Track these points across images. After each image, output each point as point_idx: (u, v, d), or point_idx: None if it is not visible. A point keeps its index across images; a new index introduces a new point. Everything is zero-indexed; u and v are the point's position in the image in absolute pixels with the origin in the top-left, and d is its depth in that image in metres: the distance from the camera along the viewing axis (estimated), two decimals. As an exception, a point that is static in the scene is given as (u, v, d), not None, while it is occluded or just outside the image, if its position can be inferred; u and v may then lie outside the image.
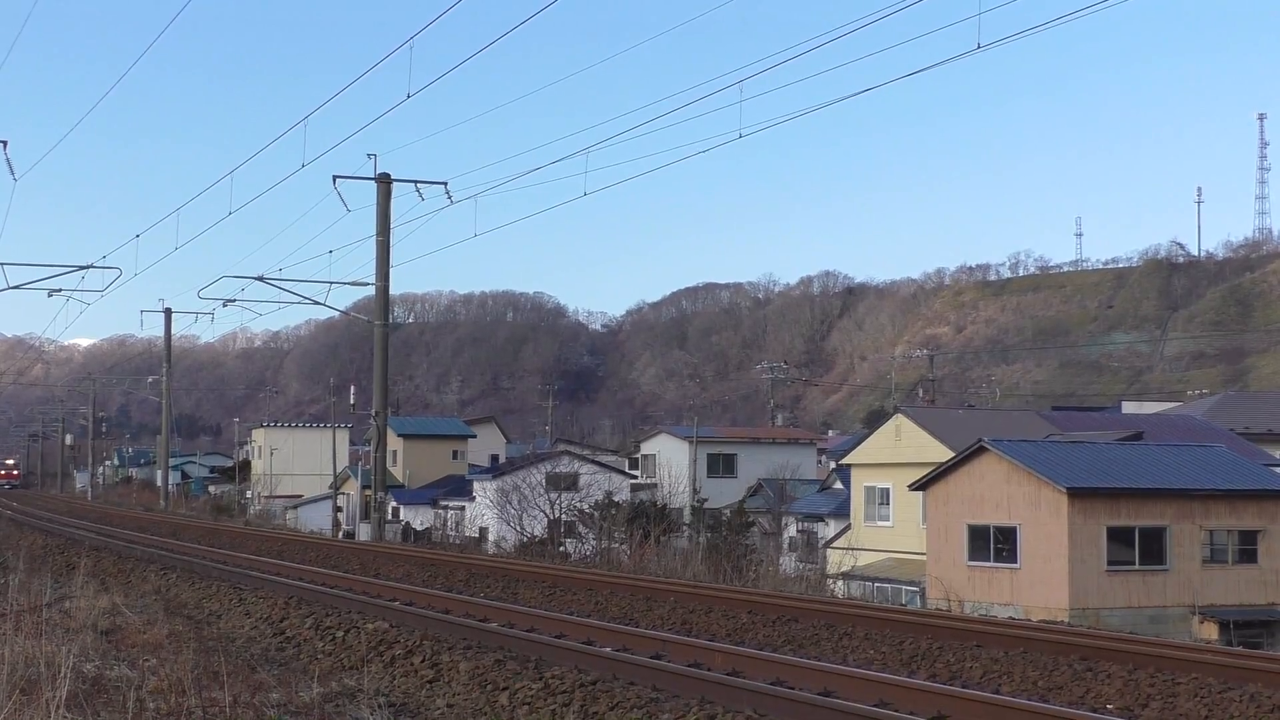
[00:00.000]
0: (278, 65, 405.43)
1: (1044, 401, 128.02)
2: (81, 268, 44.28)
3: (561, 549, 47.24)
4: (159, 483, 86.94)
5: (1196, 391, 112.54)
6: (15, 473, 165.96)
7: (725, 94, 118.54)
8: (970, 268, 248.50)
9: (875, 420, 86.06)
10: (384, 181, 43.40)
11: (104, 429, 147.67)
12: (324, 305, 44.08)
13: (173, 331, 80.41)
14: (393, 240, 43.61)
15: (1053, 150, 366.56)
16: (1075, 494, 41.69)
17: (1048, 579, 41.64)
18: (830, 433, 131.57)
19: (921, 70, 23.01)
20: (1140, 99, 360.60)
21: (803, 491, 72.77)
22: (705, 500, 67.32)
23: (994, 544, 43.66)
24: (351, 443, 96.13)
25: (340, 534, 65.48)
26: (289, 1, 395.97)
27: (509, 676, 12.30)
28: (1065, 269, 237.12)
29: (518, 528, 60.36)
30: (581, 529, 56.02)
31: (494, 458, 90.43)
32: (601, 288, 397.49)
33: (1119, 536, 42.30)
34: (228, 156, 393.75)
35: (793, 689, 11.45)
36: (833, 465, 76.07)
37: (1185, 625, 41.12)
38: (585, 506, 60.82)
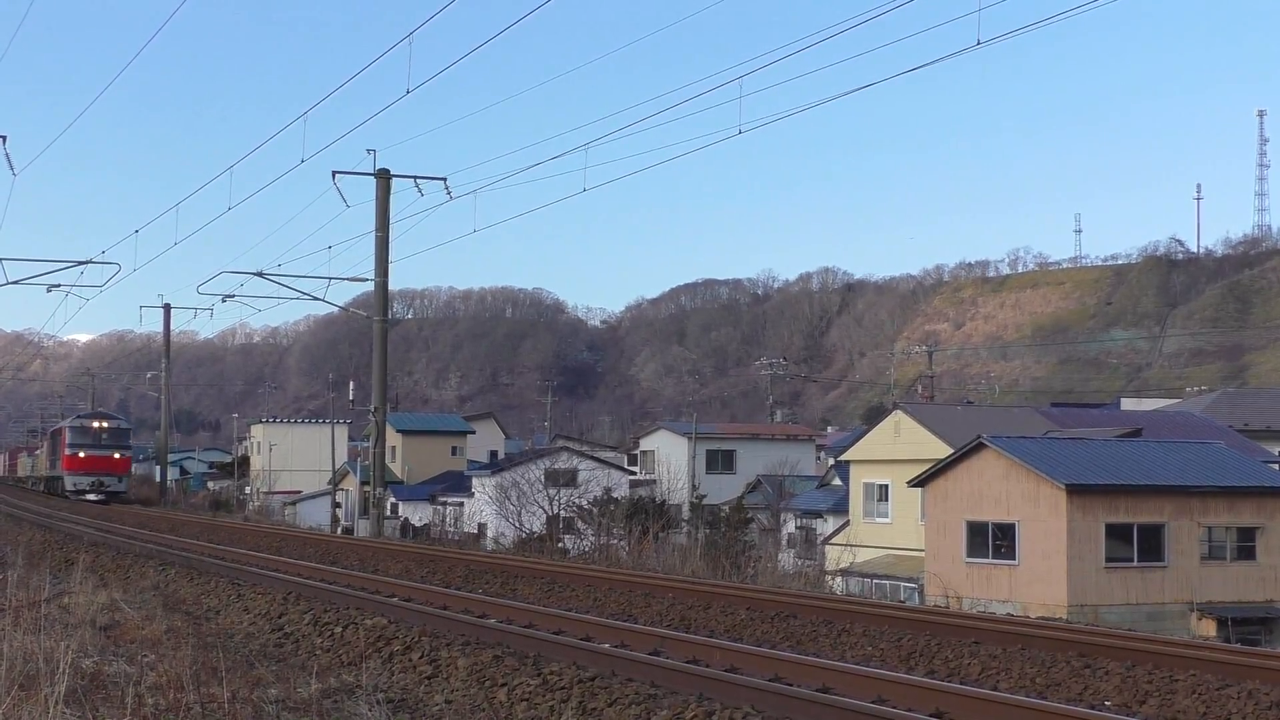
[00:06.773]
0: (277, 60, 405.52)
1: (1043, 398, 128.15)
2: (80, 263, 44.16)
3: (560, 545, 47.24)
4: (158, 478, 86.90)
5: (1195, 388, 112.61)
6: (120, 458, 78.19)
7: (725, 90, 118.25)
8: (969, 264, 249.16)
9: (874, 417, 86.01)
10: (383, 177, 43.37)
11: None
12: (323, 301, 44.07)
13: (172, 327, 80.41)
14: (392, 236, 43.62)
15: (1052, 147, 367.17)
16: (1074, 491, 41.71)
17: (1046, 576, 41.67)
18: (829, 429, 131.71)
19: (921, 66, 23.05)
20: (1140, 95, 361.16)
21: (801, 488, 72.79)
22: (704, 496, 67.34)
23: (993, 541, 43.70)
24: (350, 439, 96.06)
25: (339, 530, 65.44)
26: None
27: (507, 672, 12.30)
28: (1064, 265, 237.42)
29: (516, 524, 60.39)
30: (580, 525, 56.05)
31: (493, 454, 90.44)
32: (601, 284, 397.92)
33: (1117, 533, 42.34)
34: (227, 152, 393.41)
35: (791, 685, 11.43)
36: (831, 462, 76.09)
37: (1183, 622, 41.15)
38: (584, 503, 60.90)
